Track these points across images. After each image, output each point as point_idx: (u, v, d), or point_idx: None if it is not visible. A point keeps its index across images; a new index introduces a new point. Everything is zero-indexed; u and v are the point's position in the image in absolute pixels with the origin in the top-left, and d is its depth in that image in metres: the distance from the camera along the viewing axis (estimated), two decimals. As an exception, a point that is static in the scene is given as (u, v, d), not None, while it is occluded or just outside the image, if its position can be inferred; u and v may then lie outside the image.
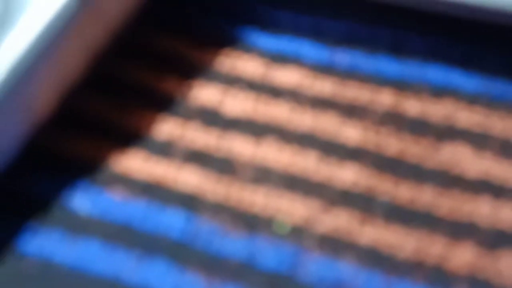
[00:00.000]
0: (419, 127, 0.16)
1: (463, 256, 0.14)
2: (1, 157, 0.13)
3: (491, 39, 0.17)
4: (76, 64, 0.14)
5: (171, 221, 0.15)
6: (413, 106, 0.16)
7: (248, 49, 0.17)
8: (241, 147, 0.16)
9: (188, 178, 0.15)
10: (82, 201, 0.15)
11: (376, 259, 0.14)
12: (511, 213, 0.15)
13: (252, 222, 0.15)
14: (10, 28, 0.13)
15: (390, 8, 0.17)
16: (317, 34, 0.18)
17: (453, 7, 0.16)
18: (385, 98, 0.16)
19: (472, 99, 0.16)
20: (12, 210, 0.14)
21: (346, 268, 0.14)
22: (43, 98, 0.14)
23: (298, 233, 0.14)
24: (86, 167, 0.15)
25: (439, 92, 0.16)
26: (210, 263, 0.14)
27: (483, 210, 0.15)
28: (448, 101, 0.16)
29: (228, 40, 0.17)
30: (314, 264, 0.14)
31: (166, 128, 0.16)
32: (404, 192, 0.15)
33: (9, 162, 0.14)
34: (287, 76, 0.17)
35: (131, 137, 0.16)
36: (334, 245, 0.14)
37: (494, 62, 0.17)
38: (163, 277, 0.14)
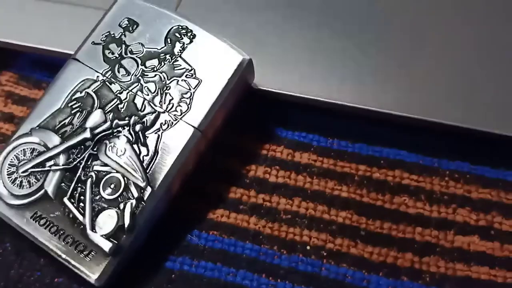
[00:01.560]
0: (381, 186, 0.28)
1: (407, 257, 0.26)
2: (158, 217, 0.25)
3: (427, 131, 0.29)
4: (194, 162, 0.26)
5: (247, 248, 0.26)
6: (378, 174, 0.28)
7: (280, 141, 0.29)
8: (282, 202, 0.28)
9: (253, 222, 0.27)
10: (197, 239, 0.26)
11: (361, 262, 0.26)
12: (435, 233, 0.26)
13: (292, 246, 0.26)
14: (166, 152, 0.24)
15: (362, 116, 0.29)
16: (320, 130, 0.29)
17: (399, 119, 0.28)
18: (361, 170, 0.28)
19: (412, 168, 0.28)
20: (161, 245, 0.26)
21: (345, 268, 0.26)
22: (177, 185, 0.25)
23: (318, 250, 0.26)
24: (197, 219, 0.27)
25: (393, 165, 0.28)
26: (271, 269, 0.26)
27: (418, 232, 0.27)
28: (398, 170, 0.28)
29: (269, 136, 0.29)
30: (329, 267, 0.26)
31: (238, 192, 0.28)
32: (375, 225, 0.27)
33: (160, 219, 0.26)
34: (304, 157, 0.29)
35: (219, 199, 0.27)
36: (338, 256, 0.26)
37: (427, 145, 0.29)
38: (247, 278, 0.25)
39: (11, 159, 0.25)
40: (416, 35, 0.29)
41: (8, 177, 0.25)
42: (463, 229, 0.27)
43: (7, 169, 0.25)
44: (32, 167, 0.25)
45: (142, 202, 0.24)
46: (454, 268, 0.26)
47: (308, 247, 0.26)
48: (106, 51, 0.27)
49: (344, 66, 0.29)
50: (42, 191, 0.25)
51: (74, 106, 0.26)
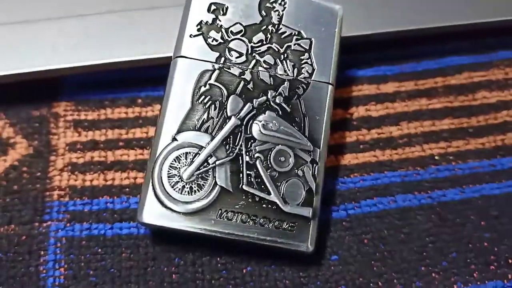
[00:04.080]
0: (461, 89, 0.32)
1: (509, 136, 0.30)
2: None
3: (469, 34, 0.33)
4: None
5: (390, 176, 0.29)
6: (453, 81, 0.32)
7: (361, 80, 0.32)
8: (392, 130, 0.30)
9: (379, 154, 0.29)
10: (345, 185, 0.28)
11: (480, 153, 0.30)
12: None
13: (422, 162, 0.29)
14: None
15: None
16: (386, 61, 0.32)
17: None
18: (439, 81, 0.32)
19: (474, 68, 0.32)
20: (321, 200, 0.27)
21: (471, 162, 0.29)
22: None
23: (444, 156, 0.29)
24: (335, 170, 0.28)
25: (459, 69, 0.32)
26: (418, 186, 0.29)
27: (505, 114, 0.31)
28: (465, 73, 0.32)
29: (351, 79, 0.31)
30: (459, 166, 0.29)
31: (353, 135, 0.30)
32: (474, 121, 0.31)
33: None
34: (388, 87, 0.32)
35: (342, 147, 0.29)
36: (461, 155, 0.29)
37: (474, 46, 0.33)
38: (406, 199, 0.28)
39: (168, 171, 0.25)
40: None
41: (173, 189, 0.25)
42: (535, 100, 0.32)
43: (169, 182, 0.25)
44: (196, 170, 0.25)
45: (316, 163, 0.25)
46: (548, 131, 0.31)
47: (436, 157, 0.30)
48: (209, 40, 0.27)
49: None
50: (217, 188, 0.25)
51: (205, 101, 0.26)
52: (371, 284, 0.26)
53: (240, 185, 0.25)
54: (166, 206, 0.24)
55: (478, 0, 0.32)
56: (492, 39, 0.33)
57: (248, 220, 0.24)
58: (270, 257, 0.26)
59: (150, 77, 0.31)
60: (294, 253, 0.26)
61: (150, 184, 0.25)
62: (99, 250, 0.26)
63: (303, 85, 0.26)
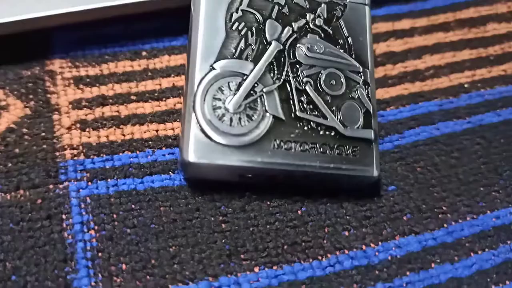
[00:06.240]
0: (472, 22, 0.31)
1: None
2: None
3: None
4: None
5: (427, 105, 0.27)
6: (461, 15, 0.31)
7: (375, 20, 0.30)
8: (417, 63, 0.29)
9: (409, 86, 0.28)
10: (384, 117, 0.26)
11: (504, 78, 0.29)
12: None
13: (452, 91, 0.28)
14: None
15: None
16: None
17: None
18: (450, 16, 0.31)
19: (478, 3, 0.32)
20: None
21: (498, 88, 0.29)
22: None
23: (473, 84, 0.29)
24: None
25: (466, 5, 0.32)
26: (455, 112, 0.27)
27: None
28: (473, 7, 0.32)
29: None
30: (489, 92, 0.28)
31: (380, 71, 0.28)
32: (491, 50, 0.30)
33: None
34: (403, 24, 0.31)
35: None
36: (488, 82, 0.29)
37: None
38: (448, 127, 0.27)
39: (213, 104, 0.22)
40: None
41: (221, 122, 0.22)
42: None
43: (215, 115, 0.22)
44: (243, 99, 0.22)
45: (368, 84, 0.24)
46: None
47: (465, 86, 0.29)
48: (233, -35, 0.24)
49: None
50: (268, 117, 0.22)
51: (240, 28, 0.23)
52: (435, 210, 0.24)
53: (293, 113, 0.22)
54: (215, 141, 0.21)
55: None
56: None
57: (307, 148, 0.22)
58: (322, 195, 0.24)
59: (152, 29, 0.28)
60: (349, 187, 0.24)
61: (193, 119, 0.22)
62: (133, 206, 0.23)
63: (340, 7, 0.25)
